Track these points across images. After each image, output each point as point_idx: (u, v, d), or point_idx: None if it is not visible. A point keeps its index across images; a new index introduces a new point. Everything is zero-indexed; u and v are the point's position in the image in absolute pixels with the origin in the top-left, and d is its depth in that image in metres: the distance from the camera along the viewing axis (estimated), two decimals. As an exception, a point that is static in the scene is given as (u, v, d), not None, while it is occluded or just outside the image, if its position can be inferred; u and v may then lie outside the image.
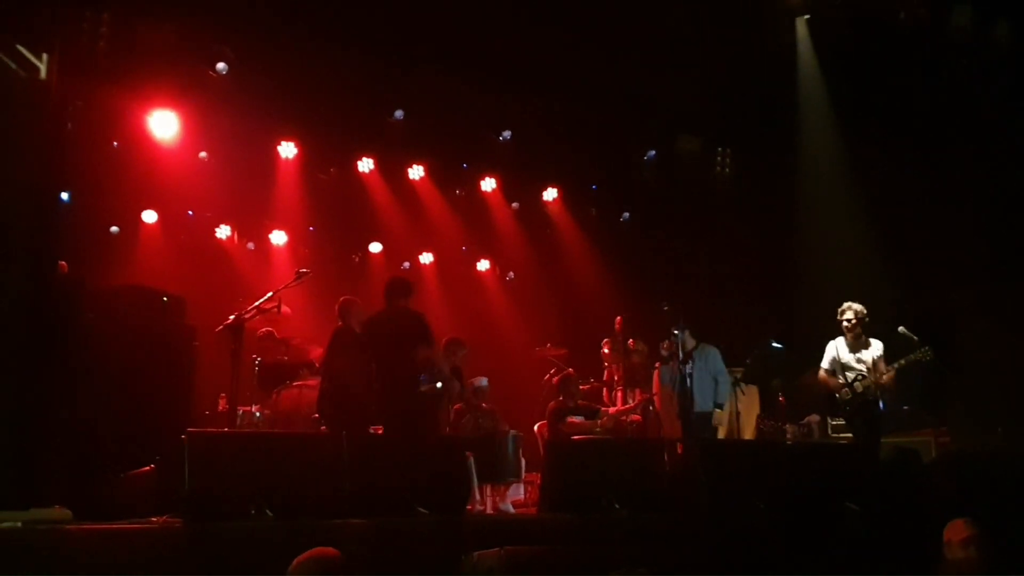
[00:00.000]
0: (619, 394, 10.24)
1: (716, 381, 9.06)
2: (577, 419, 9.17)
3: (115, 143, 10.18)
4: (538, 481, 8.23)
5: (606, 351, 10.53)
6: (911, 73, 9.55)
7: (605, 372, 10.48)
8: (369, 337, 8.06)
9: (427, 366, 7.96)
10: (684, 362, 8.55)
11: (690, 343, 8.97)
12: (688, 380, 8.46)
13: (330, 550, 3.81)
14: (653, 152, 12.13)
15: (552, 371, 10.62)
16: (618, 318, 10.11)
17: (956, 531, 4.89)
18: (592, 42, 9.86)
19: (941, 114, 9.48)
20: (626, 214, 13.09)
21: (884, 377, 8.24)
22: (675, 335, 8.67)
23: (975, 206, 9.45)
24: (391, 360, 7.85)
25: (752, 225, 11.38)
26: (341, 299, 8.40)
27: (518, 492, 9.11)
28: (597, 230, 12.94)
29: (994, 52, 9.01)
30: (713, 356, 9.16)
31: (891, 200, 9.98)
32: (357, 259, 12.90)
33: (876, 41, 9.38)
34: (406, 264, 13.15)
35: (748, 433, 9.53)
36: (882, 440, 8.37)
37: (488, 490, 8.22)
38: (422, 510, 6.63)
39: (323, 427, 8.26)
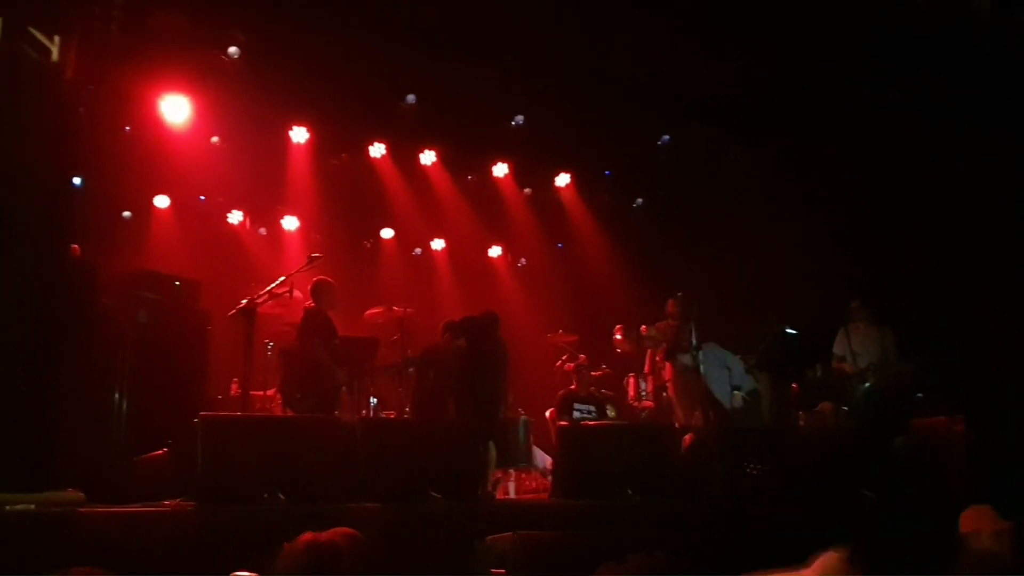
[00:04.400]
0: (631, 380, 10.23)
1: (728, 369, 8.95)
2: (589, 418, 9.12)
3: (127, 128, 10.16)
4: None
5: (618, 337, 10.50)
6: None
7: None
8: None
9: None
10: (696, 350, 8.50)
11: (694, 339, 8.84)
12: (695, 362, 8.38)
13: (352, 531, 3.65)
14: (667, 137, 12.05)
15: (564, 357, 10.61)
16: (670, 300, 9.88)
17: (984, 521, 4.73)
18: (605, 26, 9.78)
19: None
20: (639, 200, 13.03)
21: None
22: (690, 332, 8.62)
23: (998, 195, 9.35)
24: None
25: (766, 212, 11.30)
26: (314, 280, 8.30)
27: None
28: (610, 216, 12.88)
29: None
30: (715, 349, 8.96)
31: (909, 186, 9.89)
32: (369, 245, 12.88)
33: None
34: (418, 250, 13.13)
35: (761, 420, 9.48)
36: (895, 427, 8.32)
37: (500, 475, 8.21)
38: (435, 495, 6.65)
39: (287, 410, 8.20)
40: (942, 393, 9.07)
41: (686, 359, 8.71)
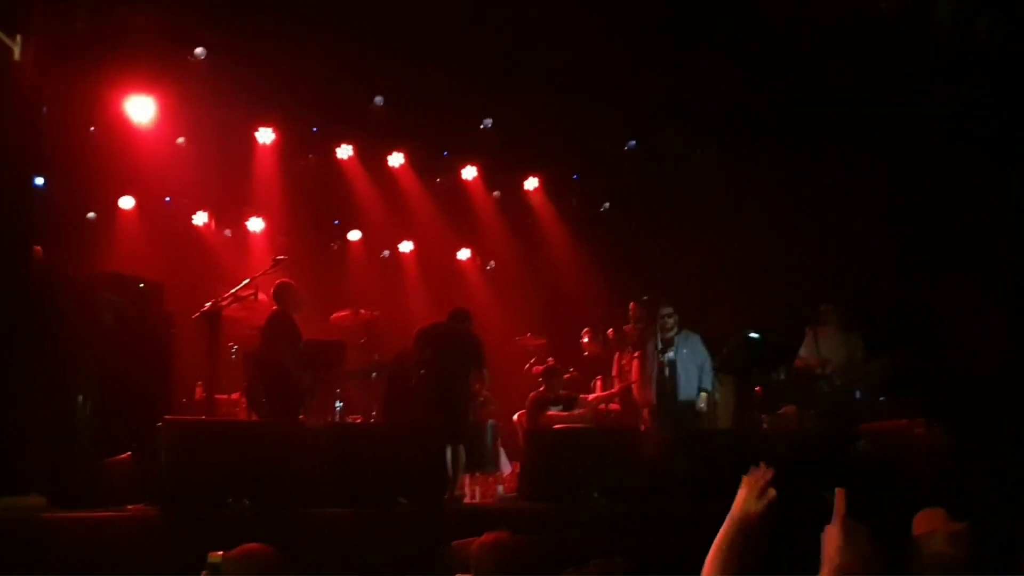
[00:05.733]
0: (599, 382, 10.28)
1: (701, 368, 8.93)
2: (556, 411, 9.18)
3: (92, 128, 10.05)
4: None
5: (586, 340, 10.56)
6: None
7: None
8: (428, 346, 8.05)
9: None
10: (665, 350, 8.55)
11: (671, 329, 8.90)
12: (671, 367, 8.43)
13: (261, 546, 3.73)
14: (634, 142, 12.13)
15: (532, 360, 10.64)
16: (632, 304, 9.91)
17: (938, 522, 4.78)
18: (574, 30, 9.82)
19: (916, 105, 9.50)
20: (607, 204, 13.10)
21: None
22: (665, 318, 8.65)
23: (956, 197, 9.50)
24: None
25: (732, 215, 11.40)
26: (278, 283, 8.24)
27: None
28: (578, 220, 12.94)
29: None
30: (695, 342, 9.02)
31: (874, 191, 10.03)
32: (336, 247, 12.83)
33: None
34: (386, 252, 13.10)
35: (725, 423, 9.56)
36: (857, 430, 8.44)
37: (467, 480, 8.22)
38: (402, 500, 6.65)
39: (252, 415, 8.16)
40: (904, 396, 9.23)
41: (666, 355, 8.68)
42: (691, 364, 8.81)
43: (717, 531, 2.84)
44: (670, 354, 8.54)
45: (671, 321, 8.77)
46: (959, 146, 9.21)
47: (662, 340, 8.66)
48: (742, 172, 10.97)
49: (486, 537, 3.88)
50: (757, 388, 9.73)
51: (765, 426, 9.43)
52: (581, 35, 9.87)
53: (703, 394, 8.86)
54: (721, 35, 9.80)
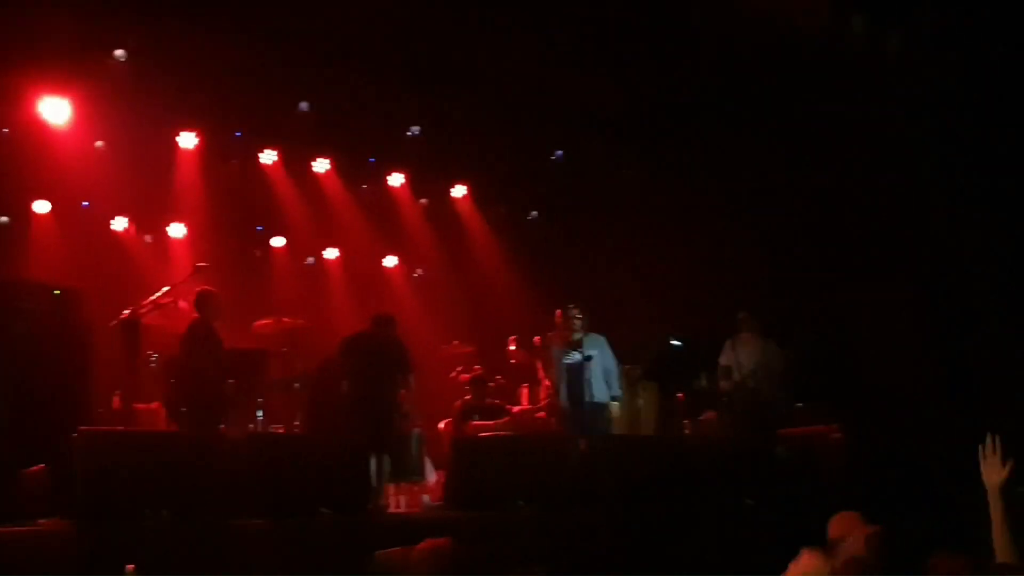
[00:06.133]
0: (525, 390, 10.32)
1: (609, 371, 8.77)
2: (482, 419, 9.20)
3: (5, 129, 9.76)
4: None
5: (512, 348, 10.60)
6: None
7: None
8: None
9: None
10: (572, 351, 8.55)
11: (579, 332, 8.76)
12: (578, 369, 8.44)
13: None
14: (560, 152, 12.25)
15: (459, 368, 10.64)
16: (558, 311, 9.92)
17: (852, 525, 4.89)
18: (503, 38, 9.88)
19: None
20: (534, 212, 13.18)
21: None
22: (572, 319, 8.64)
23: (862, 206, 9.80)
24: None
25: (655, 224, 11.58)
26: (198, 290, 8.07)
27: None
28: (505, 228, 12.99)
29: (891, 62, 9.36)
30: (602, 344, 8.87)
31: (785, 203, 10.29)
32: (259, 254, 12.64)
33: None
34: (310, 259, 12.96)
35: (648, 429, 9.71)
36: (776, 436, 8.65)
37: (392, 489, 8.18)
38: (325, 510, 6.59)
39: (172, 425, 8.01)
40: (820, 402, 9.50)
41: (573, 356, 8.69)
42: (598, 366, 8.67)
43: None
44: (577, 355, 8.53)
45: (578, 322, 8.74)
46: (871, 158, 9.53)
47: (569, 341, 8.65)
48: (665, 181, 11.16)
49: (425, 544, 3.89)
50: (679, 395, 9.92)
51: (687, 432, 9.61)
52: (509, 45, 9.94)
53: (613, 404, 8.79)
54: (645, 47, 9.96)
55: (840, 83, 9.32)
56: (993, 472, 3.46)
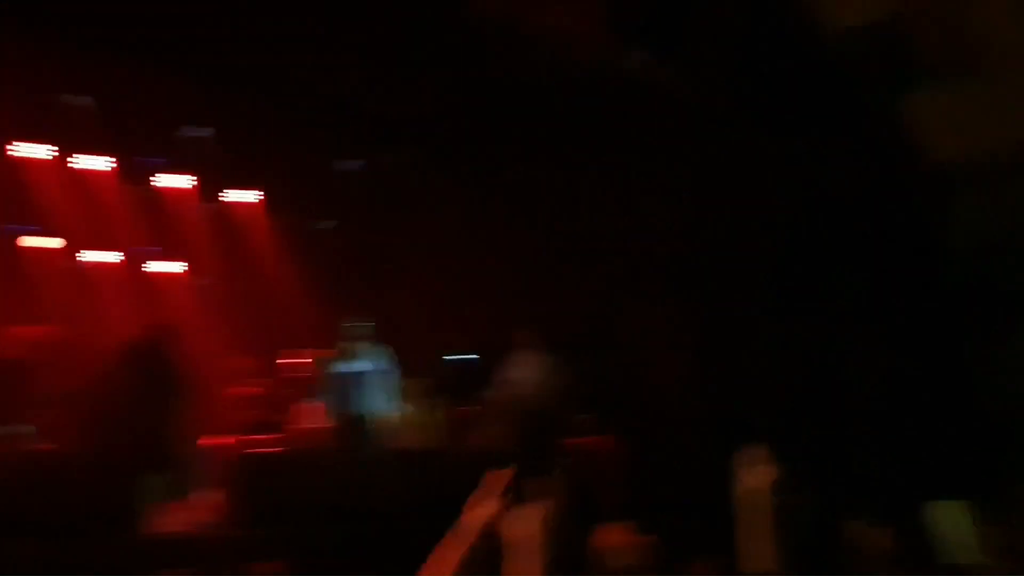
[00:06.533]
0: (305, 406, 10.13)
1: (390, 383, 8.83)
2: (262, 436, 8.98)
3: None
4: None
5: (296, 361, 10.38)
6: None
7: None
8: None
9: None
10: (349, 361, 8.52)
11: (362, 343, 8.78)
12: (359, 381, 8.41)
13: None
14: (357, 161, 12.19)
15: (240, 382, 10.32)
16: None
17: (624, 536, 5.08)
18: (300, 45, 9.76)
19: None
20: (327, 222, 13.01)
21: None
22: (353, 329, 8.60)
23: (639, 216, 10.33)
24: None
25: (450, 238, 11.73)
26: None
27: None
28: (297, 237, 12.74)
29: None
30: (384, 356, 8.90)
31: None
32: (25, 255, 11.70)
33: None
34: (84, 262, 12.16)
35: (432, 443, 9.76)
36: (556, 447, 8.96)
37: (168, 507, 7.86)
38: (89, 531, 6.29)
39: None
40: (600, 413, 9.94)
41: (351, 367, 8.65)
42: (379, 378, 8.71)
43: (425, 550, 2.92)
44: (356, 366, 8.52)
45: (359, 333, 8.72)
46: (651, 183, 10.11)
47: (348, 352, 8.64)
48: (459, 195, 11.35)
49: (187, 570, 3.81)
50: (465, 408, 10.09)
51: (472, 445, 9.76)
52: (307, 50, 9.84)
53: (392, 415, 8.83)
54: (442, 61, 10.11)
55: (620, 108, 9.82)
56: (751, 480, 3.67)
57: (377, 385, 8.57)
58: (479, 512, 2.95)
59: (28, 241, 11.54)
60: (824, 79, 9.12)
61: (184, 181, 11.88)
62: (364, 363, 8.55)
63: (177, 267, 12.72)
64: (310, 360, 10.26)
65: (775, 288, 9.50)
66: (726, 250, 9.65)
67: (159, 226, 11.94)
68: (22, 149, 10.66)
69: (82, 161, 11.12)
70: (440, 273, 11.29)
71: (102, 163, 11.21)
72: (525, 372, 9.15)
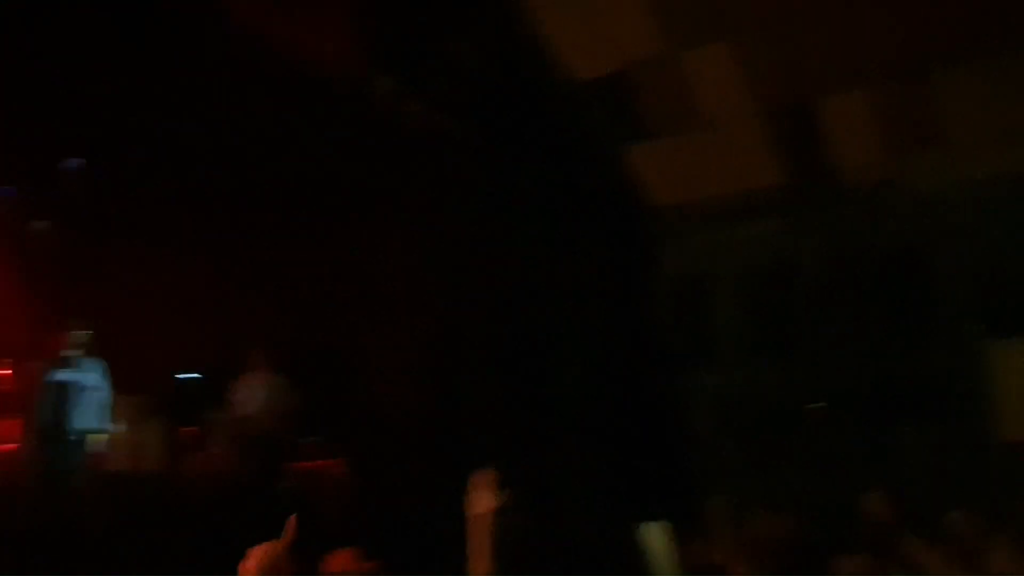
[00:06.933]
0: (14, 421, 9.26)
1: (102, 400, 8.13)
2: None
3: None
4: None
5: (5, 372, 9.48)
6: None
7: None
8: None
9: None
10: (60, 371, 7.88)
11: (73, 352, 8.08)
12: (66, 395, 7.78)
13: None
14: (78, 161, 11.39)
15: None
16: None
17: (351, 562, 5.03)
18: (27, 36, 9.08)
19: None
20: (42, 222, 11.99)
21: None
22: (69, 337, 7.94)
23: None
24: None
25: (183, 252, 11.22)
26: None
27: None
28: (11, 238, 11.63)
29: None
30: (100, 370, 8.23)
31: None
32: None
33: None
34: None
35: (151, 464, 9.24)
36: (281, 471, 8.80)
37: None
38: None
39: None
40: (329, 437, 9.86)
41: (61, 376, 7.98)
42: (91, 393, 8.04)
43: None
44: (65, 376, 7.88)
45: (75, 341, 8.06)
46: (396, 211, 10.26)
47: (60, 360, 7.96)
48: (193, 210, 10.91)
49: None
50: (188, 429, 9.66)
51: (193, 467, 9.33)
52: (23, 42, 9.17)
53: (102, 434, 8.13)
54: (171, 61, 9.78)
55: (366, 132, 9.92)
56: (481, 502, 3.81)
57: (89, 400, 7.88)
58: None
59: None
60: (553, 123, 9.73)
61: None
62: (77, 375, 7.85)
63: None
64: (9, 372, 9.40)
65: (503, 314, 9.91)
66: (460, 277, 9.96)
67: None
68: None
69: None
70: (169, 287, 10.77)
71: None
72: (253, 393, 8.92)
